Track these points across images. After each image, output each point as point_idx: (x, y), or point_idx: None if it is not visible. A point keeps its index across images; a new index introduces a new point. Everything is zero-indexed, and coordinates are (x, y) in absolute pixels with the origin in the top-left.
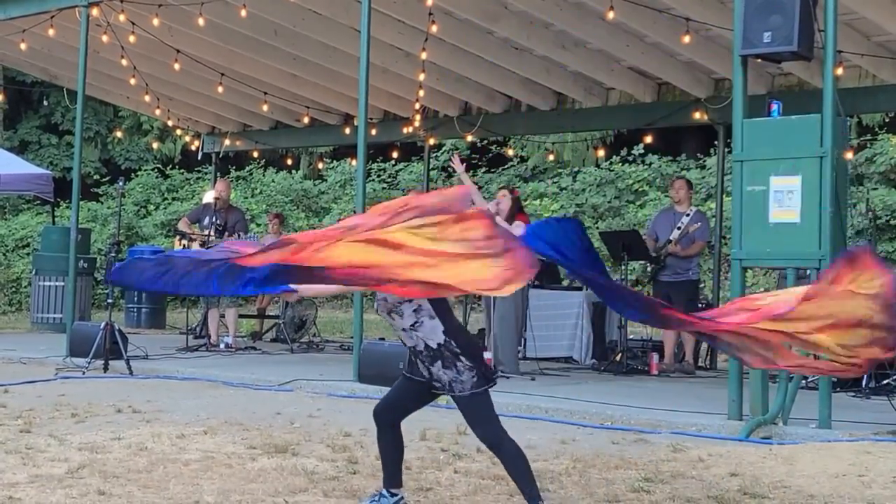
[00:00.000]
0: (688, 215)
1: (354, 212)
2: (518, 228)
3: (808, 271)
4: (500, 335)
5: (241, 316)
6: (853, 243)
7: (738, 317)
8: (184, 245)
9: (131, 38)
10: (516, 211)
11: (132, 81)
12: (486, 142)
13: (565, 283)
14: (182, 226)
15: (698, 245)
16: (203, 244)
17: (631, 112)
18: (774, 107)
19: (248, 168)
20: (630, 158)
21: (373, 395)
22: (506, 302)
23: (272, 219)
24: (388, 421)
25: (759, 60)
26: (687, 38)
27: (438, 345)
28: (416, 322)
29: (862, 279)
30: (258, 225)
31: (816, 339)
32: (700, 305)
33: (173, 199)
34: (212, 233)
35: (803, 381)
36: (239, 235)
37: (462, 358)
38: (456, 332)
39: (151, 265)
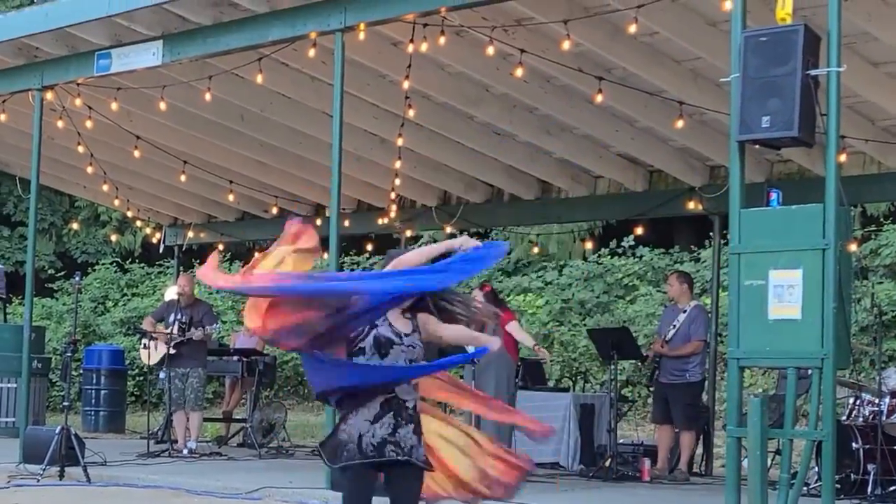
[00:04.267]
0: (684, 311)
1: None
2: (514, 328)
3: (810, 371)
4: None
5: (206, 419)
6: (856, 340)
7: None
8: (145, 345)
9: (88, 124)
10: (495, 307)
11: (89, 170)
12: (466, 233)
13: (551, 383)
14: (146, 325)
15: (692, 345)
16: (167, 343)
17: (620, 202)
18: (773, 196)
19: None
20: (619, 251)
21: None
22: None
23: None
24: None
25: (758, 146)
26: (680, 123)
27: (415, 403)
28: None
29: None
30: (224, 322)
31: None
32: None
33: (133, 294)
34: (175, 330)
35: (805, 489)
36: (204, 329)
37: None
38: None
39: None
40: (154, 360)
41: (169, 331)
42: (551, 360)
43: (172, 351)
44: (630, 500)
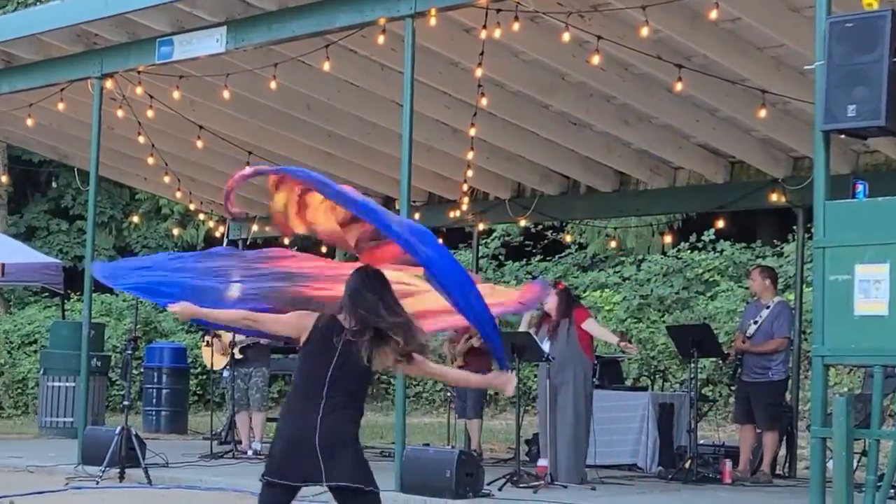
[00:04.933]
0: (767, 307)
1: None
2: (591, 326)
3: None
4: (576, 439)
5: (270, 419)
6: None
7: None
8: (207, 343)
9: (149, 113)
10: (568, 307)
11: (150, 160)
12: (540, 227)
13: (629, 382)
14: None
15: (776, 342)
16: (231, 346)
17: (701, 194)
18: (860, 187)
19: None
20: (700, 245)
21: None
22: (578, 402)
23: None
24: None
25: (843, 136)
26: (763, 112)
27: None
28: None
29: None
30: None
31: None
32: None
33: None
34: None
35: (892, 490)
36: None
37: None
38: None
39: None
40: (218, 364)
41: (232, 332)
42: (629, 359)
43: (239, 356)
44: (711, 503)
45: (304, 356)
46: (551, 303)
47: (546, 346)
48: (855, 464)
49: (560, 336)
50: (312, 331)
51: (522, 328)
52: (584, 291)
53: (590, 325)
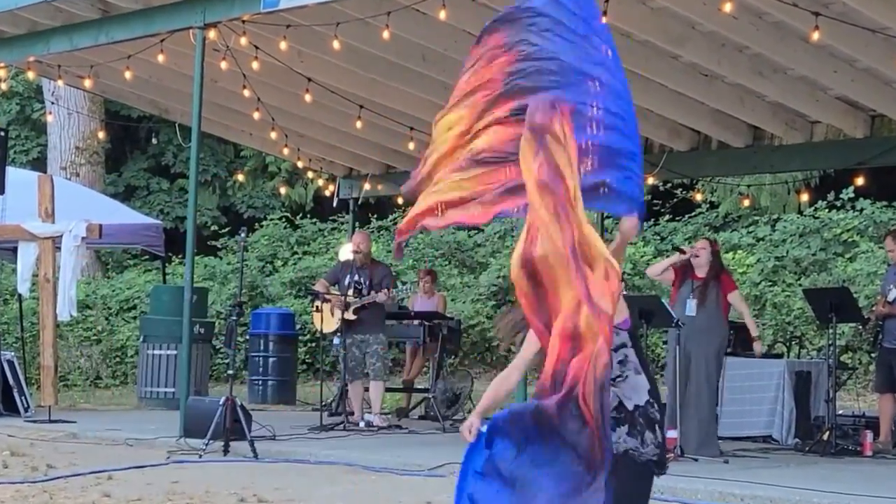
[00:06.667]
0: None
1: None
2: (737, 301)
3: None
4: (710, 411)
5: (386, 389)
6: None
7: None
8: (317, 308)
9: (254, 65)
10: (720, 268)
11: (256, 115)
12: (669, 185)
13: (763, 349)
14: (319, 287)
15: None
16: (343, 308)
17: (839, 149)
18: None
19: (391, 217)
20: (838, 204)
21: None
22: (714, 373)
23: (423, 276)
24: None
25: None
26: None
27: (636, 406)
28: (620, 375)
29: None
30: (403, 283)
31: None
32: None
33: (304, 253)
34: (351, 293)
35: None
36: (389, 290)
37: (657, 428)
38: (658, 397)
39: None
40: (329, 327)
41: (344, 294)
42: (763, 324)
43: (352, 317)
44: (851, 477)
45: None
46: (703, 258)
47: (692, 307)
48: None
49: (709, 302)
50: None
51: (661, 268)
52: None
53: (736, 300)
